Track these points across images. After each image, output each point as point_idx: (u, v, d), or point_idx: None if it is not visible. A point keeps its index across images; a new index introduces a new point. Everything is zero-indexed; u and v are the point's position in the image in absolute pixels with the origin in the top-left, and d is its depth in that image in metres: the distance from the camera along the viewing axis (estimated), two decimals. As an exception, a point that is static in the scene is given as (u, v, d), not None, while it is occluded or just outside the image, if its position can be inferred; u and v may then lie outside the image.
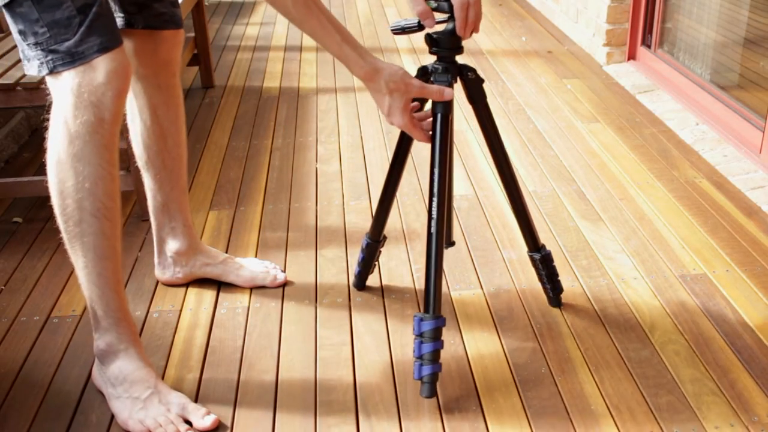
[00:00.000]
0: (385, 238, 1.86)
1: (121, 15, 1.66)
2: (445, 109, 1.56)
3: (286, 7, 1.44)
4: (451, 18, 1.53)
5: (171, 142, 1.81)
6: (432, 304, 1.54)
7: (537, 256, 1.78)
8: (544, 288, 1.84)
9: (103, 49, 1.39)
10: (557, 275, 1.83)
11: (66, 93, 1.40)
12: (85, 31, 1.37)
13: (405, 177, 2.53)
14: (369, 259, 1.87)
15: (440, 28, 1.56)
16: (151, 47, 1.72)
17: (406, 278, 1.98)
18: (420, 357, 1.53)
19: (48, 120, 1.44)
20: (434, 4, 1.54)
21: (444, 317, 1.55)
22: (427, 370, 1.53)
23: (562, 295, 1.85)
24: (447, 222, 1.77)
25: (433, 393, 1.55)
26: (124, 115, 1.81)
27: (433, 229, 1.55)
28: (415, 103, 1.57)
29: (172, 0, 1.73)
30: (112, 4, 1.66)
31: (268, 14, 4.81)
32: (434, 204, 1.55)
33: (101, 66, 1.39)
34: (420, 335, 1.54)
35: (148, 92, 1.76)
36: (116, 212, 1.48)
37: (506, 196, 1.73)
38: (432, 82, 1.57)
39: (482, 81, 1.62)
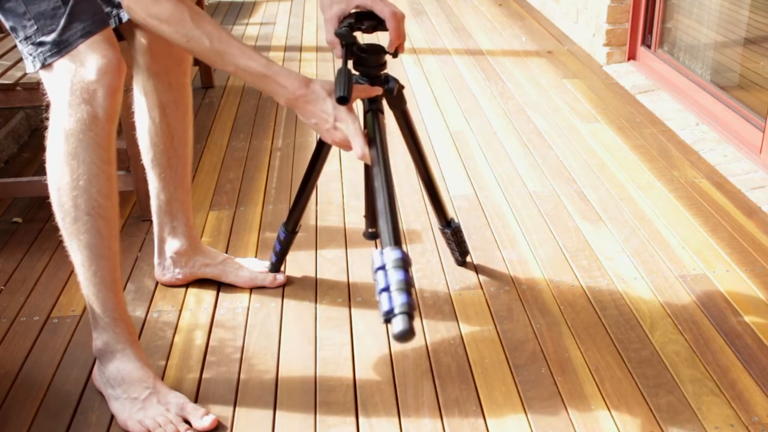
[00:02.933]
0: (300, 226, 1.93)
1: None
2: (378, 105, 1.59)
3: (205, 49, 1.41)
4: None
5: (177, 141, 1.82)
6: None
7: (449, 230, 1.95)
8: (453, 253, 2.01)
9: (87, 34, 1.39)
10: (465, 242, 2.01)
11: (61, 90, 1.40)
12: (68, 18, 1.38)
13: (404, 177, 2.53)
14: (285, 249, 1.95)
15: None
16: (164, 43, 1.72)
17: (406, 278, 1.98)
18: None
19: (47, 119, 1.45)
20: (363, 26, 1.59)
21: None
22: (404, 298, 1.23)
23: (466, 257, 2.03)
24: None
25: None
26: (132, 112, 1.81)
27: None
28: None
29: None
30: None
31: (268, 14, 4.81)
32: (382, 201, 1.40)
33: (91, 63, 1.39)
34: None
35: (159, 90, 1.76)
36: (111, 211, 1.47)
37: (421, 182, 1.88)
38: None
39: (402, 87, 1.67)
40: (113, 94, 1.42)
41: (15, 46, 2.47)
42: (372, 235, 1.87)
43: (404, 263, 1.27)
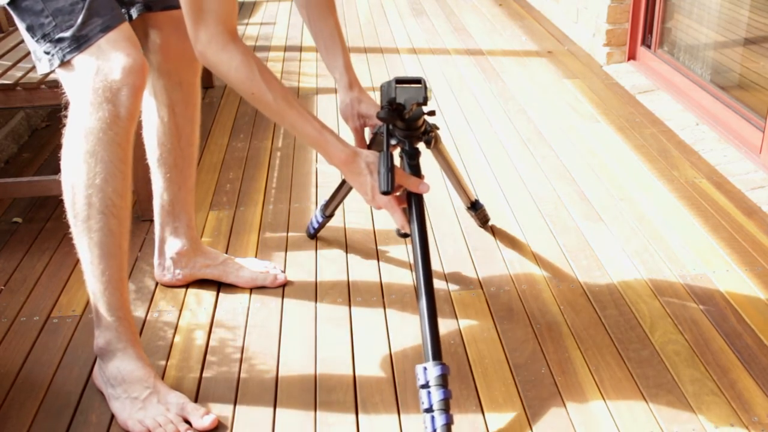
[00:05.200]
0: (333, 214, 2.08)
1: (140, 0, 1.66)
2: (417, 161, 1.62)
3: (267, 104, 1.46)
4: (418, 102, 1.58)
5: (185, 141, 1.82)
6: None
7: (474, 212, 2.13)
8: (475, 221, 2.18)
9: (106, 29, 1.40)
10: (487, 214, 2.18)
11: (82, 88, 1.40)
12: (86, 13, 1.39)
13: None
14: (319, 230, 2.13)
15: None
16: (178, 42, 1.71)
17: (407, 278, 1.99)
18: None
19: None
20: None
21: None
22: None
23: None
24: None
25: None
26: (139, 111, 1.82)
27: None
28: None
29: None
30: None
31: (268, 14, 4.81)
32: (425, 310, 1.51)
33: (117, 62, 1.40)
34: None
35: (168, 89, 1.76)
36: (125, 211, 1.48)
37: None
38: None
39: (437, 129, 1.73)
40: (136, 94, 1.43)
41: (15, 47, 2.47)
42: (403, 235, 1.89)
43: (445, 380, 1.43)
